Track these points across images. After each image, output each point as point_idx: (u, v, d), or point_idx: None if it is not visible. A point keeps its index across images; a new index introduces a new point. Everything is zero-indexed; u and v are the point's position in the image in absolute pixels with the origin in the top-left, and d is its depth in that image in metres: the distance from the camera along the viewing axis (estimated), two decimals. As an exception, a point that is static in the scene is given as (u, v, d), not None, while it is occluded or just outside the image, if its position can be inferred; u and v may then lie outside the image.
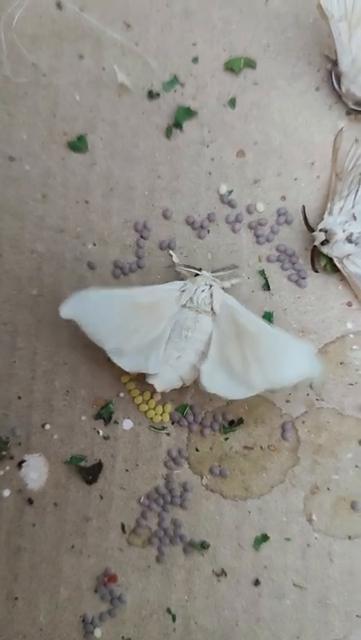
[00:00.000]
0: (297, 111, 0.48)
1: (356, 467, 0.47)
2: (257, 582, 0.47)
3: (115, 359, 0.44)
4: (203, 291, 0.44)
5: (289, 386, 0.43)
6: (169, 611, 0.47)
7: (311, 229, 0.46)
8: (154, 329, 0.44)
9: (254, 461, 0.47)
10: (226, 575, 0.47)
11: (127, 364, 0.45)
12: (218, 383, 0.44)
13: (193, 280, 0.45)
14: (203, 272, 0.45)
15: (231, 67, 0.48)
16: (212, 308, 0.44)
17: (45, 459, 0.48)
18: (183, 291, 0.45)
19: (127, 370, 0.45)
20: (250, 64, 0.48)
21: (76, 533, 0.48)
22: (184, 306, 0.44)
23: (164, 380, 0.45)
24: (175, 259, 0.47)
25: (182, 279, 0.46)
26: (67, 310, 0.43)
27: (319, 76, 0.48)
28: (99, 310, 0.44)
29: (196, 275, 0.45)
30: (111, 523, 0.48)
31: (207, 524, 0.47)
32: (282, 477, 0.47)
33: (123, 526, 0.48)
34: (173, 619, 0.47)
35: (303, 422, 0.47)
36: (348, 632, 0.46)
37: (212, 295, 0.44)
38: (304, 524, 0.47)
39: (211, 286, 0.44)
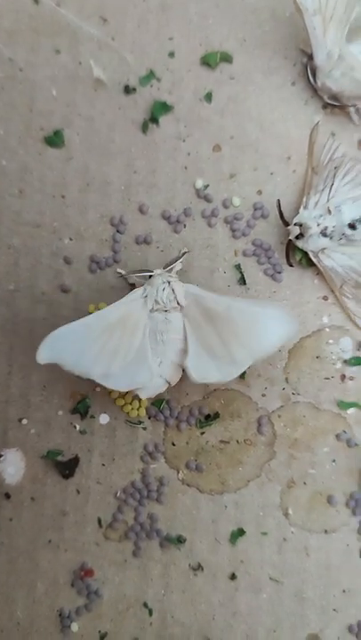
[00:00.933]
0: (273, 105, 0.48)
1: (333, 461, 0.47)
2: (233, 576, 0.47)
3: (105, 383, 0.44)
4: (163, 289, 0.44)
5: (273, 351, 0.43)
6: (146, 605, 0.47)
7: (287, 223, 0.46)
8: (132, 343, 0.44)
9: (231, 455, 0.47)
10: (202, 569, 0.47)
11: (117, 384, 0.44)
12: (207, 372, 0.44)
13: (150, 282, 0.45)
14: (155, 271, 0.45)
15: (208, 61, 0.48)
16: (178, 303, 0.44)
17: (22, 453, 0.48)
18: (146, 296, 0.44)
19: (121, 390, 0.45)
20: (226, 58, 0.48)
21: (53, 528, 0.48)
22: (152, 310, 0.44)
23: (151, 388, 0.45)
24: (121, 271, 0.48)
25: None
26: (43, 355, 0.43)
27: (295, 71, 0.48)
28: (74, 345, 0.43)
29: (150, 276, 0.45)
30: (88, 517, 0.48)
31: (183, 519, 0.47)
32: (258, 471, 0.47)
33: (99, 520, 0.48)
34: (150, 613, 0.47)
35: (279, 416, 0.47)
36: (323, 626, 0.46)
37: (173, 290, 0.44)
38: (280, 518, 0.47)
39: (169, 282, 0.44)
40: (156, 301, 0.44)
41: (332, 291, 0.47)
